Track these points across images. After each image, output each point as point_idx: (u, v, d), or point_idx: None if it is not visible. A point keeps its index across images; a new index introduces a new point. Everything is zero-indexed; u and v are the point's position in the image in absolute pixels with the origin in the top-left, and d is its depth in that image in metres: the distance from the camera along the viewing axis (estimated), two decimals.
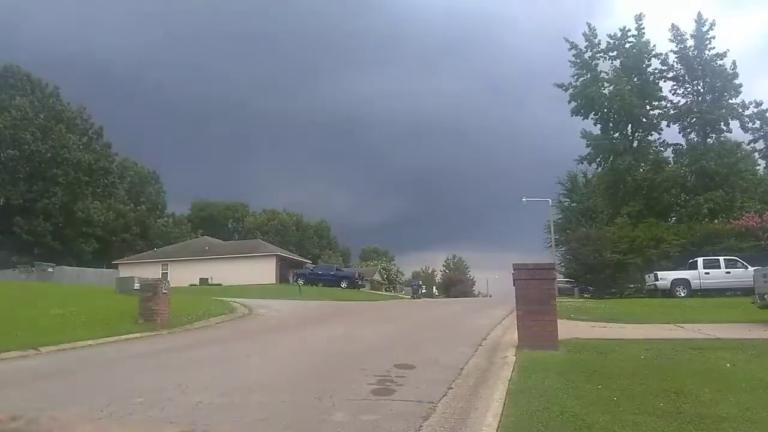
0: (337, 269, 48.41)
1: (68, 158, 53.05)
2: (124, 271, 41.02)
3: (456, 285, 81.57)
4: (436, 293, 66.39)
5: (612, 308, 18.71)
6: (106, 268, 45.53)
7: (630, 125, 40.82)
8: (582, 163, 44.50)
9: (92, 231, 54.34)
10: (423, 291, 50.19)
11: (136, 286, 15.95)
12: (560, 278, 39.14)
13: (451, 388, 6.30)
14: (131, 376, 7.74)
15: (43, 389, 6.80)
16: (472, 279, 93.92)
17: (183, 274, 42.26)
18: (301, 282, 40.90)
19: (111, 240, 57.51)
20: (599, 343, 9.55)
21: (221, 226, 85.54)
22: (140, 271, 37.22)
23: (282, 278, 46.47)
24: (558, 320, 9.55)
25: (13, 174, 50.34)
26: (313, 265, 53.21)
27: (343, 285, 41.55)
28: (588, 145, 41.50)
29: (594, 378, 6.50)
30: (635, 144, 40.94)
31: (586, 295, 33.23)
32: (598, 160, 42.17)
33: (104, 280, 30.65)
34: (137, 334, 12.33)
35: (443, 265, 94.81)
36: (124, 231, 59.87)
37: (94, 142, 58.79)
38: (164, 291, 14.17)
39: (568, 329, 10.91)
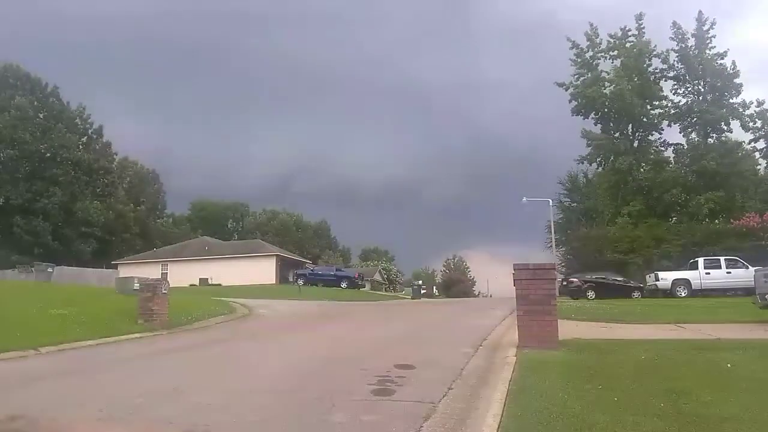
0: (337, 269, 48.41)
1: (68, 158, 53.05)
2: (124, 272, 41.01)
3: (456, 285, 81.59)
4: (437, 293, 66.42)
5: (613, 308, 18.69)
6: (106, 268, 45.51)
7: (631, 125, 40.86)
8: (582, 163, 44.56)
9: (92, 231, 54.25)
10: (423, 290, 50.02)
11: (136, 286, 15.89)
12: (561, 278, 39.15)
13: (452, 389, 6.28)
14: (131, 377, 7.74)
15: (42, 390, 6.79)
16: (473, 279, 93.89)
17: (183, 275, 42.25)
18: (301, 282, 40.88)
19: (111, 240, 57.47)
20: (600, 344, 9.54)
21: (221, 226, 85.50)
22: (140, 271, 37.20)
23: (282, 278, 46.47)
24: (558, 320, 9.53)
25: (12, 174, 50.29)
26: (313, 265, 53.24)
27: (343, 285, 41.54)
28: (588, 145, 41.52)
29: (595, 378, 6.48)
30: (636, 144, 40.99)
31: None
32: (598, 159, 42.18)
33: (104, 281, 30.60)
34: (137, 335, 12.32)
35: (443, 265, 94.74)
36: (124, 231, 59.84)
37: (94, 141, 58.75)
38: (164, 291, 14.14)
39: (568, 329, 10.89)
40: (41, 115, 53.41)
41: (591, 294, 28.83)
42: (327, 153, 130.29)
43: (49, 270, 29.24)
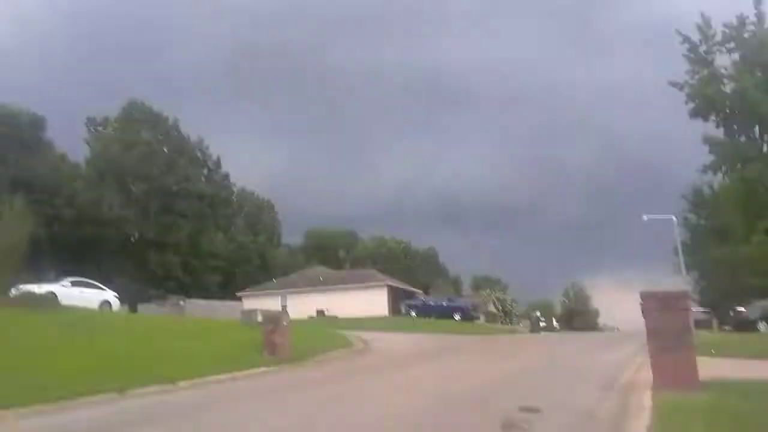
0: (449, 299, 47.82)
1: (192, 191, 55.28)
2: (247, 303, 43.17)
3: (578, 317, 77.75)
4: (557, 326, 63.20)
5: (761, 342, 16.87)
6: (231, 299, 48.08)
7: (758, 126, 36.84)
8: (706, 173, 40.59)
9: (217, 263, 57.17)
10: (542, 323, 48.26)
11: (259, 318, 16.70)
12: (695, 308, 36.14)
13: None
14: (258, 413, 8.06)
15: (182, 425, 7.29)
16: (596, 310, 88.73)
17: (300, 305, 43.62)
18: (413, 313, 40.82)
19: (234, 272, 60.45)
20: (750, 385, 8.54)
21: (333, 255, 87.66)
22: (261, 303, 38.89)
23: (394, 309, 46.70)
24: (697, 357, 8.70)
25: (144, 208, 53.40)
26: (425, 296, 52.97)
27: (457, 317, 40.94)
28: (711, 152, 37.80)
29: (746, 427, 5.82)
30: (765, 148, 36.88)
31: (726, 328, 30.23)
32: (723, 168, 38.30)
33: (230, 312, 32.43)
34: (263, 368, 12.84)
35: (562, 296, 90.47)
36: (246, 262, 62.55)
37: (213, 173, 60.97)
38: (285, 324, 14.70)
39: (709, 367, 9.89)
40: (166, 149, 55.92)
41: (763, 326, 25.17)
42: (435, 174, 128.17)
43: (181, 303, 31.48)
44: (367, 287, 49.47)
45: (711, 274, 36.91)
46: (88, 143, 57.09)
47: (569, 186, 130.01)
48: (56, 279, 27.16)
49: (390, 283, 51.33)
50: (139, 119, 55.79)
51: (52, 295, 20.82)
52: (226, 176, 62.73)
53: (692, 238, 48.95)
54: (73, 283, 24.91)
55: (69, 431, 7.24)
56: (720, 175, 39.66)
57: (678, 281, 39.19)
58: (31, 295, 18.35)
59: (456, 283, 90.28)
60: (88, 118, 57.77)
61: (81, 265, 43.82)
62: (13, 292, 18.73)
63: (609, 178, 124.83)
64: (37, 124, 49.79)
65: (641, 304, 8.93)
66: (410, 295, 50.50)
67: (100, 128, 57.55)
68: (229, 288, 55.46)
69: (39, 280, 25.72)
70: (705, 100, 36.45)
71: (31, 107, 49.42)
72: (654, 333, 8.64)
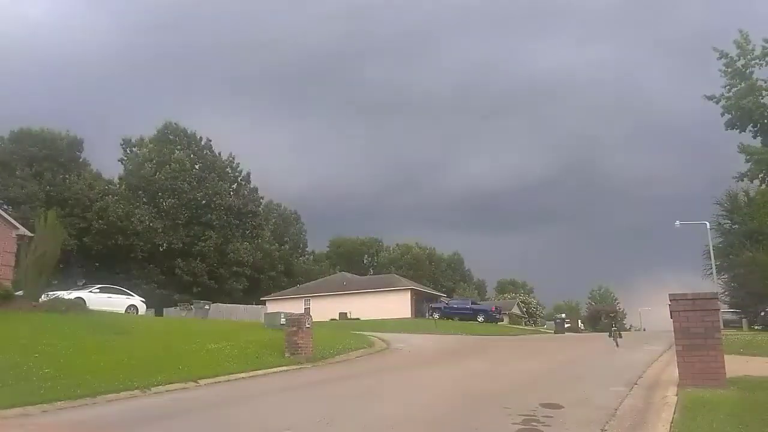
0: (472, 302, 47.60)
1: (220, 204, 57.74)
2: (271, 307, 43.44)
3: (603, 318, 76.47)
4: (582, 327, 62.61)
5: None
6: (255, 304, 48.58)
7: None
8: (742, 180, 40.05)
9: (242, 270, 58.38)
10: (567, 324, 47.49)
11: (282, 321, 16.78)
12: (724, 308, 35.43)
13: (605, 430, 5.80)
14: (278, 409, 8.09)
15: (201, 420, 7.32)
16: (623, 311, 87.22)
17: (323, 309, 43.83)
18: (436, 316, 40.69)
19: (259, 278, 61.34)
20: None
21: (357, 262, 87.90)
22: (285, 307, 39.12)
23: (417, 312, 46.56)
24: (725, 356, 8.53)
25: (173, 221, 55.53)
26: (448, 299, 52.79)
27: (480, 319, 40.65)
28: (747, 161, 37.40)
29: None
30: None
31: (756, 327, 29.56)
32: (761, 175, 37.78)
33: (254, 316, 32.65)
34: (284, 368, 12.92)
35: (588, 298, 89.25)
36: (271, 269, 63.57)
37: (243, 188, 63.28)
38: (308, 326, 14.75)
39: (736, 366, 9.71)
40: (197, 167, 58.82)
41: None
42: (467, 175, 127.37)
43: (206, 307, 31.70)
44: (389, 291, 49.47)
45: (742, 277, 36.11)
46: (122, 162, 59.90)
47: (615, 195, 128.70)
48: (86, 286, 27.90)
49: (413, 287, 51.23)
50: (173, 140, 58.71)
51: (81, 301, 21.22)
52: (255, 190, 64.71)
53: (725, 242, 48.04)
54: (101, 290, 25.59)
55: (90, 427, 7.34)
56: (757, 183, 39.10)
57: (709, 283, 38.46)
58: (60, 301, 18.70)
59: (480, 287, 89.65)
60: (123, 139, 60.76)
61: (111, 273, 45.01)
62: (44, 298, 19.18)
63: (662, 189, 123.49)
64: (74, 145, 53.89)
65: (670, 305, 8.83)
66: (433, 299, 50.32)
67: (135, 149, 60.00)
68: (253, 293, 56.37)
69: (70, 287, 26.54)
70: (742, 112, 36.04)
71: (79, 131, 54.43)
72: (682, 332, 8.54)
